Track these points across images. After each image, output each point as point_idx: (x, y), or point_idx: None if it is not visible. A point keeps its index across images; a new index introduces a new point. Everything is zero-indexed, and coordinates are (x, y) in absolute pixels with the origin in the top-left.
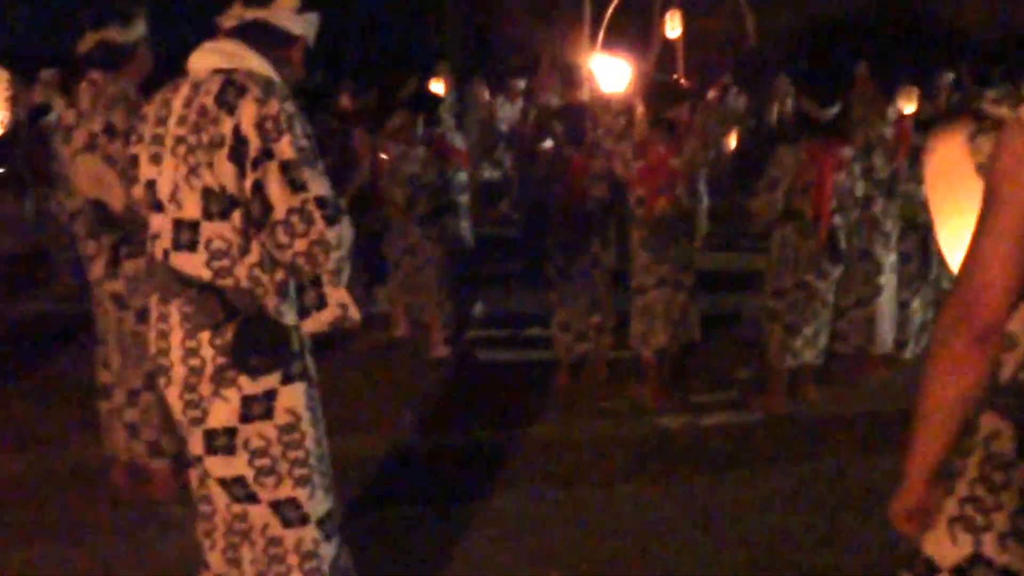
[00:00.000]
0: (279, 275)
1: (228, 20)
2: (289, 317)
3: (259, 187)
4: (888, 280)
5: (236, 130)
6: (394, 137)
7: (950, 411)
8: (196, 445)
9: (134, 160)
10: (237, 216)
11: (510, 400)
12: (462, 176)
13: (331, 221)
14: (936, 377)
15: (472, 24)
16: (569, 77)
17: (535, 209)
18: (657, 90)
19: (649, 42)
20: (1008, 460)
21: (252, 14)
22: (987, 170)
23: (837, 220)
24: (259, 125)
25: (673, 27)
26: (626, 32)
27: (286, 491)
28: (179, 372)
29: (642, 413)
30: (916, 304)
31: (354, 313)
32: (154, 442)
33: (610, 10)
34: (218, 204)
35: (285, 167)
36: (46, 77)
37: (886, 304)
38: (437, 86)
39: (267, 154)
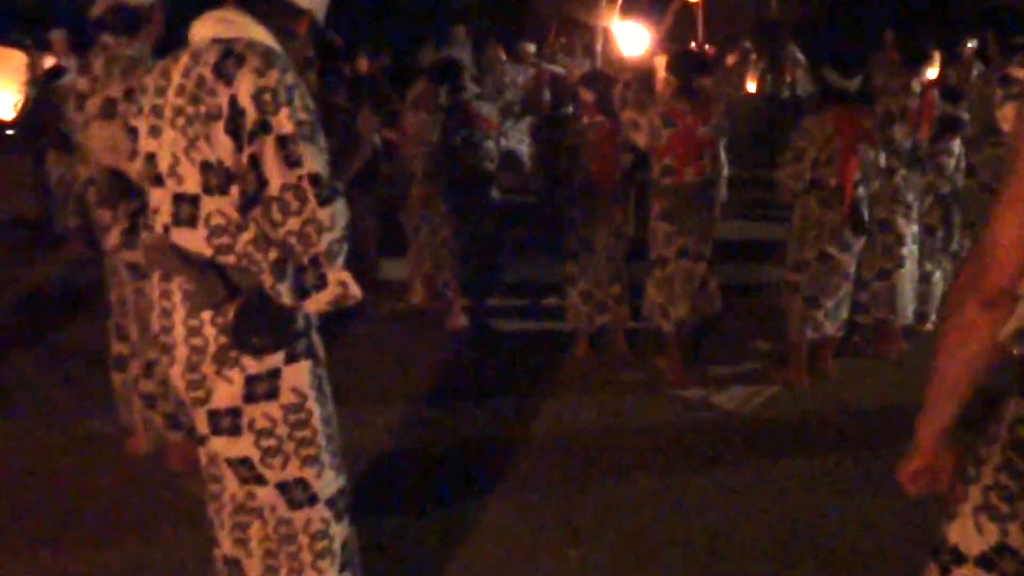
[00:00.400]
0: (273, 254)
1: None
2: (286, 297)
3: (255, 161)
4: (910, 252)
5: (233, 101)
6: (415, 106)
7: (960, 373)
8: (201, 425)
9: (134, 132)
10: (235, 191)
11: (528, 372)
12: (490, 144)
13: (324, 201)
14: (948, 339)
15: None
16: (588, 42)
17: (554, 177)
18: (684, 59)
19: (665, 9)
20: None
21: None
22: (1012, 136)
23: (860, 191)
24: (256, 97)
25: None
26: None
27: (293, 472)
28: (182, 351)
29: (662, 386)
30: (938, 276)
31: (355, 291)
32: (171, 414)
33: None
34: (217, 178)
35: (282, 141)
36: (56, 38)
37: (908, 275)
38: (454, 51)
39: (264, 127)
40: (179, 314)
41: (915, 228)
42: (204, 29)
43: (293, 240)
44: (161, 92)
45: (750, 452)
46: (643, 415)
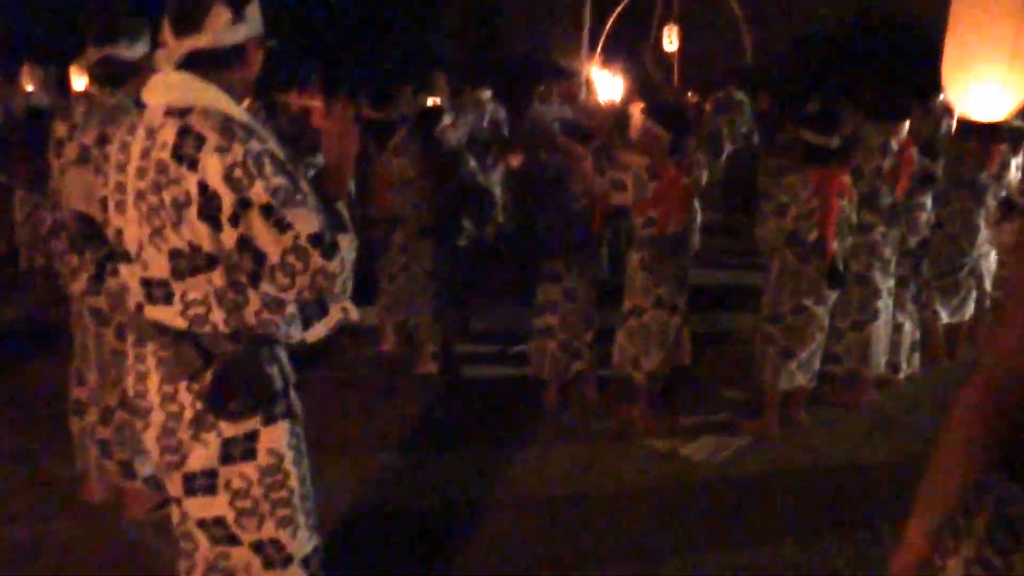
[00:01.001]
0: (289, 309)
1: (166, 58)
2: (296, 335)
3: (245, 241)
4: (885, 305)
5: (202, 187)
6: (395, 152)
7: (952, 471)
8: (175, 487)
9: (104, 203)
10: (218, 274)
11: (497, 421)
12: (460, 195)
13: (330, 255)
14: (950, 427)
15: (473, 33)
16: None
17: (526, 220)
18: (676, 117)
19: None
20: (1019, 529)
21: (189, 44)
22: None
23: (835, 245)
24: (228, 177)
25: (671, 41)
26: (624, 45)
27: (268, 532)
28: (158, 417)
29: (632, 435)
30: (908, 327)
31: (354, 314)
32: (127, 462)
33: (609, 24)
34: (189, 263)
35: (267, 211)
36: (39, 76)
37: (882, 328)
38: (435, 100)
39: (244, 204)
40: (154, 380)
41: (891, 283)
42: (155, 96)
43: (307, 294)
44: (122, 168)
45: (718, 505)
46: (612, 467)
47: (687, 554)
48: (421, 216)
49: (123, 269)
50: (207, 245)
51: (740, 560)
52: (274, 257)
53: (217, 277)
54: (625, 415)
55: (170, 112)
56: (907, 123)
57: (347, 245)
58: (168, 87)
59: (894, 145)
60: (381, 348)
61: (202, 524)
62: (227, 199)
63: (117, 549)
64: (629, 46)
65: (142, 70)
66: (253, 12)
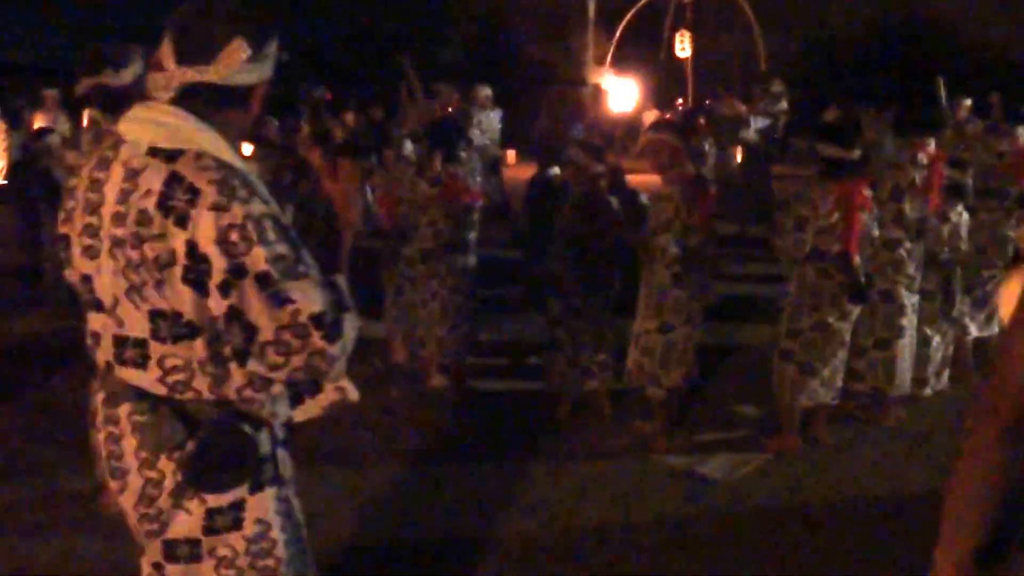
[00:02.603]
0: (276, 388)
1: (162, 86)
2: (282, 413)
3: (236, 313)
4: (910, 322)
5: (191, 247)
6: (397, 169)
7: (976, 504)
8: (155, 553)
9: (65, 241)
10: (200, 344)
11: (508, 434)
12: (472, 213)
13: (332, 338)
14: (964, 468)
15: (479, 42)
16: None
17: (539, 234)
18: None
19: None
20: None
21: (192, 76)
22: None
23: (857, 260)
24: (222, 241)
25: (683, 47)
26: (636, 51)
27: None
28: (136, 482)
29: (646, 452)
30: (937, 341)
31: (353, 395)
32: None
33: (619, 31)
34: (171, 329)
35: (263, 281)
36: (49, 96)
37: (907, 346)
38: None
39: (238, 272)
40: (129, 442)
41: (916, 299)
42: (137, 131)
43: (300, 375)
44: (94, 209)
45: (735, 526)
46: (627, 484)
47: (702, 573)
48: (439, 235)
49: (93, 318)
50: (188, 312)
51: None
52: (267, 333)
53: (198, 348)
54: (640, 431)
55: (155, 153)
56: (934, 138)
57: (350, 326)
58: (155, 122)
59: (923, 159)
60: (391, 360)
61: None
62: (218, 264)
63: (135, 562)
64: (641, 53)
65: (133, 94)
66: (270, 52)
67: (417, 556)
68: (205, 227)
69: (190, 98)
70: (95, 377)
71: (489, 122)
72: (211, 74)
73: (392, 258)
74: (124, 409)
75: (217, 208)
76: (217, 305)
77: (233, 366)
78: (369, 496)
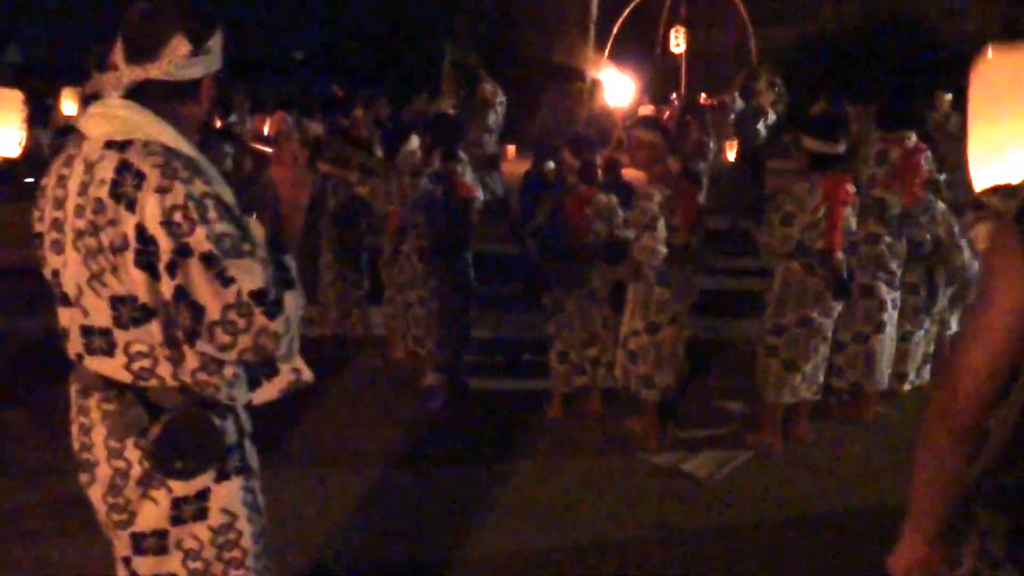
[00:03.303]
0: (229, 371)
1: (113, 84)
2: (241, 397)
3: (183, 292)
4: (890, 317)
5: (140, 231)
6: (404, 165)
7: (937, 494)
8: (122, 547)
9: (40, 239)
10: (155, 326)
11: (499, 432)
12: (470, 211)
13: (273, 314)
14: (923, 464)
15: (486, 39)
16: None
17: (537, 233)
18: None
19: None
20: (997, 559)
21: (140, 73)
22: (983, 262)
23: (840, 256)
24: (167, 221)
25: (677, 43)
26: (631, 48)
27: None
28: (104, 472)
29: (634, 450)
30: (919, 336)
31: (307, 376)
32: None
33: (616, 26)
34: (131, 312)
35: (207, 260)
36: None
37: (887, 341)
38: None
39: (183, 252)
40: (99, 432)
41: (896, 295)
42: (95, 126)
43: (249, 355)
44: (60, 204)
45: (719, 523)
46: (612, 482)
47: (688, 573)
48: (437, 231)
49: (62, 313)
50: (143, 295)
51: None
52: (214, 313)
53: (154, 331)
54: (629, 430)
55: (110, 145)
56: (912, 132)
57: (292, 303)
58: (108, 117)
59: (894, 154)
60: (390, 356)
61: None
62: (164, 245)
63: None
64: (636, 49)
65: None
66: (215, 45)
67: (406, 546)
68: (151, 209)
69: (141, 94)
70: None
71: (496, 117)
72: (156, 70)
73: (393, 255)
74: (94, 399)
75: (161, 190)
76: (166, 286)
77: (187, 349)
78: (359, 495)
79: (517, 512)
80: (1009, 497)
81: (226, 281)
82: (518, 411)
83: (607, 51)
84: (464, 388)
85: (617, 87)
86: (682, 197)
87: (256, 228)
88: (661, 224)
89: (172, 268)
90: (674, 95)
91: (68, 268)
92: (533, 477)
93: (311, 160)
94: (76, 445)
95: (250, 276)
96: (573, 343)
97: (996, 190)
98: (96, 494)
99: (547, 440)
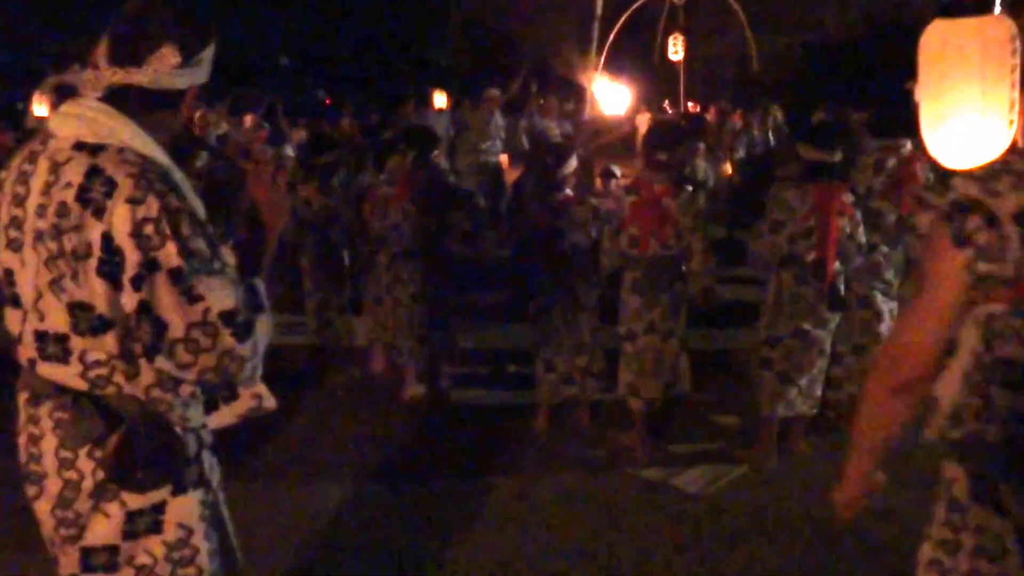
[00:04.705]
0: (186, 390)
1: (92, 83)
2: (195, 420)
3: (146, 307)
4: (888, 329)
5: (107, 240)
6: (390, 181)
7: (873, 441)
8: (69, 564)
9: None
10: (111, 338)
11: (484, 446)
12: (446, 218)
13: (242, 337)
14: (862, 415)
15: (475, 46)
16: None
17: (523, 241)
18: (654, 131)
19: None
20: (963, 504)
21: (122, 77)
22: (923, 249)
23: (836, 266)
24: (136, 233)
25: (676, 50)
26: (629, 56)
27: None
28: (53, 485)
29: (623, 464)
30: None
31: (269, 403)
32: None
33: (613, 34)
34: (89, 322)
35: (175, 276)
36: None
37: None
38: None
39: (151, 266)
40: (49, 443)
41: (894, 305)
42: (65, 127)
43: (210, 376)
44: (20, 201)
45: (710, 540)
46: (600, 497)
47: None
48: (403, 238)
49: (10, 315)
50: (101, 306)
51: None
52: (177, 330)
53: (110, 342)
54: (618, 443)
55: (80, 147)
56: (908, 140)
57: (262, 328)
58: (82, 118)
59: (890, 162)
60: (370, 370)
61: None
62: (132, 257)
63: None
64: (634, 56)
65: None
66: (206, 57)
67: (388, 562)
68: (121, 219)
69: (120, 98)
70: (19, 378)
71: (498, 127)
72: (140, 76)
73: (370, 266)
74: (45, 408)
75: (133, 201)
76: (129, 299)
77: (143, 363)
78: (340, 509)
79: (498, 527)
80: (962, 449)
81: (193, 299)
82: (502, 424)
83: (602, 59)
84: (445, 400)
85: (612, 96)
86: (647, 207)
87: (227, 249)
88: (607, 230)
89: (138, 281)
90: (667, 103)
91: (26, 269)
92: (516, 492)
93: (291, 184)
94: (23, 456)
95: (221, 295)
96: (560, 352)
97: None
98: (44, 508)
99: (532, 454)
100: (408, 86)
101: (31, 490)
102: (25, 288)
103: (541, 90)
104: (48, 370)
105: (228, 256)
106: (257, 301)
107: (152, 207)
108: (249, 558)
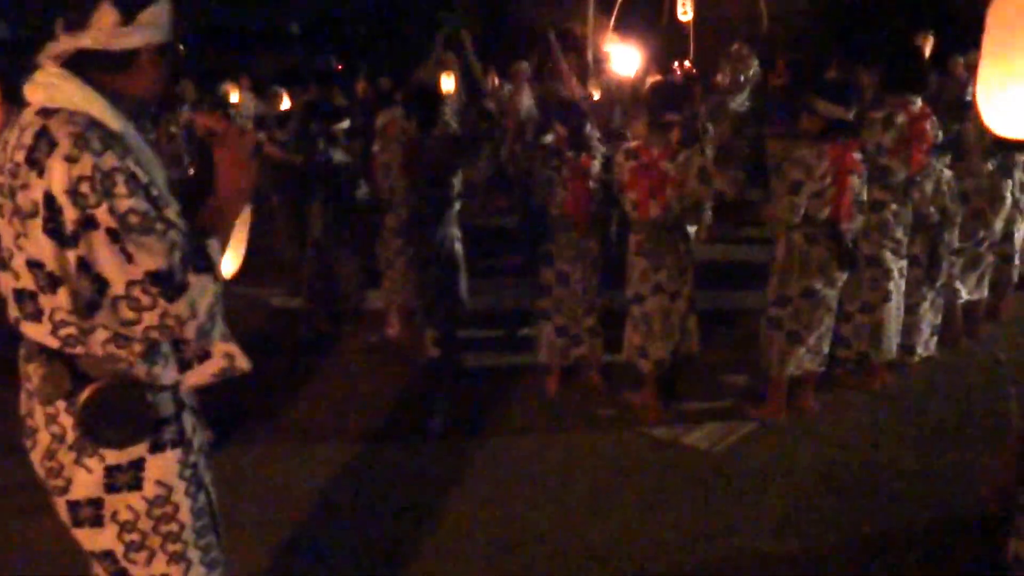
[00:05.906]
0: (138, 347)
1: (54, 53)
2: (166, 377)
3: (85, 263)
4: (896, 287)
5: (48, 197)
6: (383, 134)
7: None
8: (62, 514)
9: None
10: (63, 294)
11: (497, 407)
12: (451, 183)
13: (172, 297)
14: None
15: (484, 9)
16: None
17: (529, 207)
18: (656, 93)
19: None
20: None
21: (73, 42)
22: None
23: (846, 225)
24: (73, 190)
25: (685, 11)
26: (638, 16)
27: (160, 567)
28: (43, 437)
29: (634, 423)
30: (924, 308)
31: (242, 363)
32: None
33: None
34: (44, 279)
35: (113, 235)
36: None
37: (894, 311)
38: (447, 81)
39: (88, 223)
40: (38, 399)
41: (903, 263)
42: (33, 93)
43: (155, 334)
44: (1, 169)
45: (720, 495)
46: (612, 456)
47: (685, 545)
48: (413, 201)
49: (2, 277)
50: (50, 263)
51: (741, 552)
52: (118, 287)
53: (62, 299)
54: (628, 402)
55: (41, 112)
56: (919, 96)
57: (200, 287)
58: (44, 85)
59: (900, 119)
60: (386, 333)
61: (94, 555)
62: (69, 214)
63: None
64: (643, 18)
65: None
66: (151, 18)
67: (402, 521)
68: (58, 176)
69: (77, 64)
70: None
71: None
72: (87, 39)
73: (384, 229)
74: (33, 365)
75: (69, 159)
76: (71, 255)
77: (97, 319)
78: (356, 470)
79: (511, 486)
80: None
81: (129, 257)
82: (515, 385)
83: (612, 21)
84: (458, 363)
85: (623, 57)
86: (645, 170)
87: (175, 207)
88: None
89: (75, 238)
90: (676, 64)
91: (4, 229)
92: (528, 451)
93: (258, 146)
94: (23, 410)
95: (150, 256)
96: (573, 315)
97: None
98: (36, 459)
99: (543, 414)
100: (416, 50)
101: (28, 443)
102: (6, 249)
103: (547, 56)
104: (29, 329)
105: (174, 216)
106: (200, 262)
107: (86, 165)
108: (265, 516)
